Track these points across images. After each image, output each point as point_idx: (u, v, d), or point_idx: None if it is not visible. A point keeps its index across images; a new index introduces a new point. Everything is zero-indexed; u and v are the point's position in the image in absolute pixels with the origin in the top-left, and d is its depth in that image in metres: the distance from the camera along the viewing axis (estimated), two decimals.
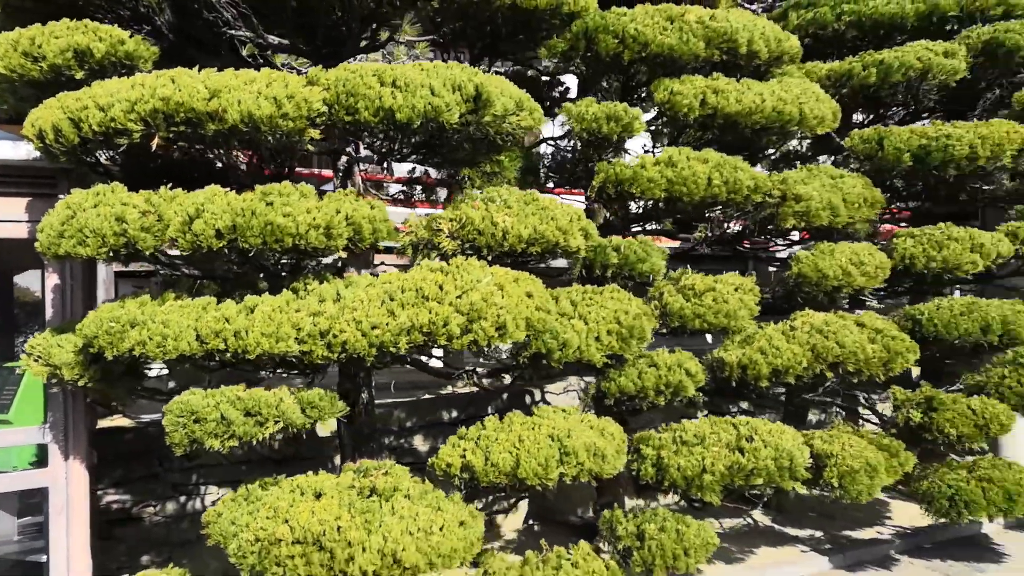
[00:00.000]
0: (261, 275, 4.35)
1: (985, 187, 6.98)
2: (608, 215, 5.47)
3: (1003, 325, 5.41)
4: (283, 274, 4.26)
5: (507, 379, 4.86)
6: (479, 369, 4.84)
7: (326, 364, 3.84)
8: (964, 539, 6.94)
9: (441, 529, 3.64)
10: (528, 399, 7.33)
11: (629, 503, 5.81)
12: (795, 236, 6.43)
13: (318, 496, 3.65)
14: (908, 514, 7.13)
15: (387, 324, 3.61)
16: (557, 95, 6.98)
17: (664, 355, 4.61)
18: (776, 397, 7.18)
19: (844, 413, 7.47)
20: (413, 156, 4.38)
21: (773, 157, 6.88)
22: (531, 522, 7.27)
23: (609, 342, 4.30)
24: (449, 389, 7.84)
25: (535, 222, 4.11)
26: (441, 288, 3.76)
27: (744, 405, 8.77)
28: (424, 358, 5.04)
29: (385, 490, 3.73)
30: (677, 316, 4.65)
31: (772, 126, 4.72)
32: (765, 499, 5.10)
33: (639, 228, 6.01)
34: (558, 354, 4.16)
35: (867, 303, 6.84)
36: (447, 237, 4.15)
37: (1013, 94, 5.96)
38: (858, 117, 6.98)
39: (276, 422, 3.63)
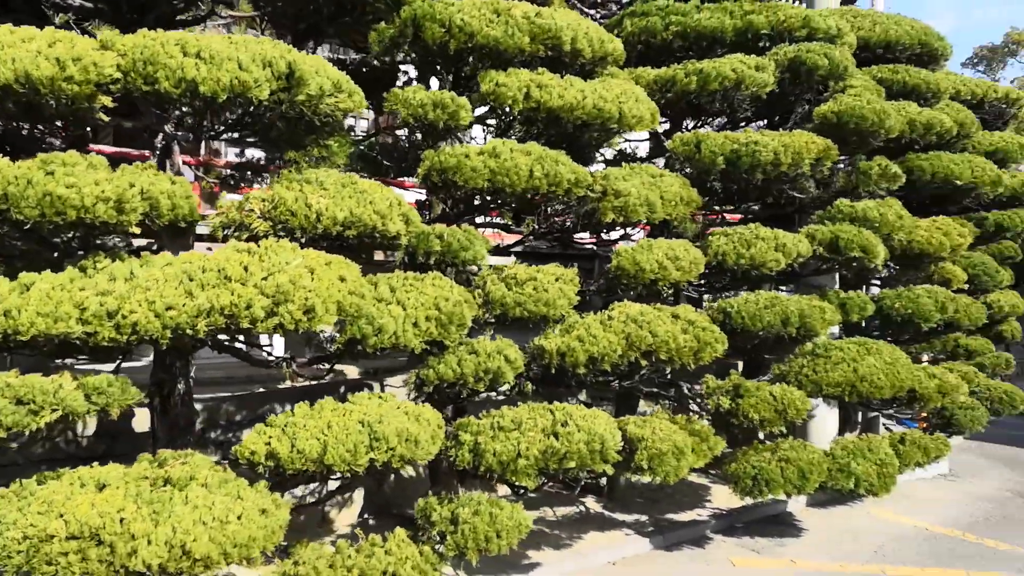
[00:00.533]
0: (55, 253, 4.04)
1: (796, 193, 7.60)
2: (444, 207, 5.50)
3: (800, 318, 5.89)
4: (79, 252, 3.97)
5: (336, 369, 4.76)
6: (299, 358, 4.73)
7: (119, 348, 3.61)
8: (771, 517, 7.52)
9: (239, 518, 3.51)
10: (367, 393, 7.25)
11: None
12: (640, 235, 6.74)
13: (101, 488, 3.42)
14: (725, 497, 7.63)
15: (183, 305, 3.44)
16: (400, 86, 6.94)
17: (485, 342, 4.68)
18: (610, 387, 7.47)
19: (675, 403, 7.91)
20: (228, 135, 4.20)
21: (609, 159, 7.17)
22: (366, 516, 7.18)
23: (428, 328, 4.31)
24: (288, 383, 7.61)
25: (352, 205, 4.06)
26: (246, 269, 3.63)
27: (582, 397, 9.07)
28: (245, 346, 4.86)
29: (180, 480, 3.55)
30: (499, 304, 4.74)
31: (593, 122, 4.92)
32: (583, 484, 5.29)
33: (481, 221, 6.10)
34: (373, 340, 4.13)
35: (692, 297, 7.27)
36: (259, 218, 4.01)
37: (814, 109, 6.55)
38: (689, 124, 7.41)
39: (53, 410, 3.36)
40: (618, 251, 5.28)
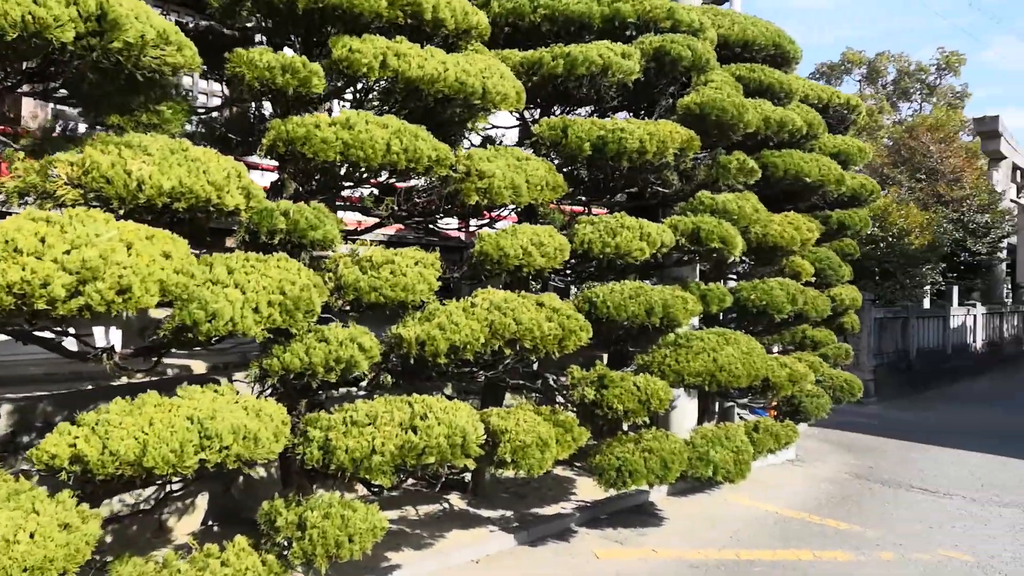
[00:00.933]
0: None
1: (660, 188, 7.68)
2: (297, 187, 5.05)
3: (664, 308, 5.90)
4: None
5: (183, 364, 4.22)
6: (122, 348, 4.15)
7: None
8: (634, 508, 7.57)
9: (32, 536, 2.97)
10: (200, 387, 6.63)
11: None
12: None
13: None
14: (590, 489, 7.61)
15: None
16: None
17: (336, 330, 4.30)
18: (476, 379, 7.24)
19: (542, 395, 7.80)
20: (27, 86, 3.59)
21: (478, 143, 6.94)
22: (211, 523, 6.58)
23: (271, 314, 3.89)
24: (124, 380, 6.85)
25: (181, 174, 3.58)
26: (43, 241, 3.08)
27: (448, 390, 8.79)
28: (57, 335, 4.21)
29: None
30: (352, 289, 4.37)
31: (456, 97, 4.65)
32: (447, 480, 5.03)
33: (345, 207, 5.67)
34: (207, 327, 3.66)
35: (559, 287, 7.18)
36: (66, 184, 3.45)
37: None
38: (557, 112, 7.31)
39: None
40: (481, 236, 5.05)
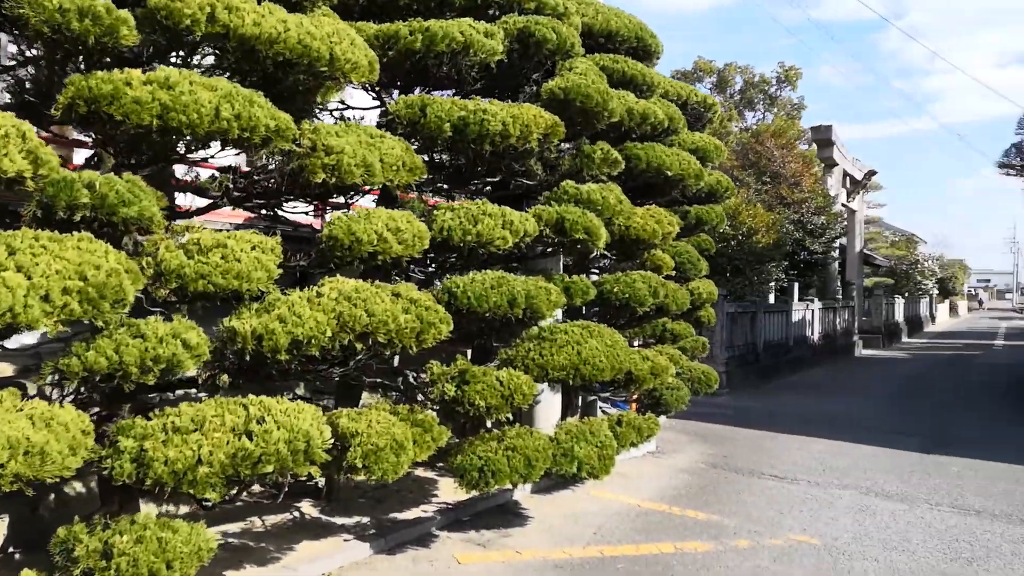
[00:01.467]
0: None
1: (524, 180, 7.46)
2: (116, 161, 4.35)
3: (527, 299, 5.66)
4: None
5: None
6: None
7: None
8: (498, 507, 7.32)
9: None
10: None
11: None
12: None
13: None
14: (453, 490, 7.29)
15: None
16: None
17: (156, 324, 3.70)
18: (329, 377, 6.74)
19: (403, 393, 7.38)
20: None
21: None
22: (11, 549, 5.68)
23: (67, 304, 3.25)
24: None
25: None
26: None
27: (301, 392, 8.16)
28: None
29: None
30: (175, 276, 3.78)
31: (299, 62, 4.14)
32: (296, 487, 4.53)
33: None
34: None
35: (421, 279, 6.79)
36: None
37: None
38: (418, 92, 6.91)
39: None
40: (331, 219, 4.58)
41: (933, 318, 49.02)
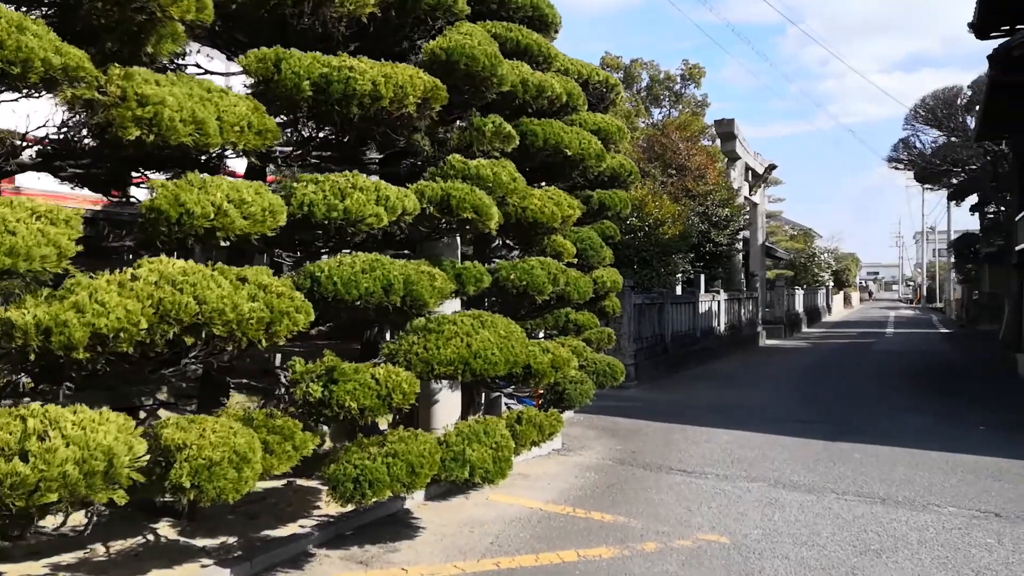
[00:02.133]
0: None
1: (411, 159, 6.77)
2: None
3: (405, 286, 4.98)
4: None
5: None
6: None
7: None
8: (386, 518, 6.60)
9: None
10: None
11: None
12: None
13: None
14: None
15: None
16: None
17: None
18: (186, 377, 5.92)
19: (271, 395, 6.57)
20: None
21: None
22: None
23: None
24: None
25: None
26: None
27: (163, 396, 7.19)
28: None
29: None
30: None
31: None
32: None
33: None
34: None
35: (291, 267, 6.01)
36: None
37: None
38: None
39: None
40: (155, 185, 3.76)
41: (829, 308, 51.14)
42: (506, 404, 9.57)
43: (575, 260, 7.81)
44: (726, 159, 27.98)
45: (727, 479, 8.20)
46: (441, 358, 5.35)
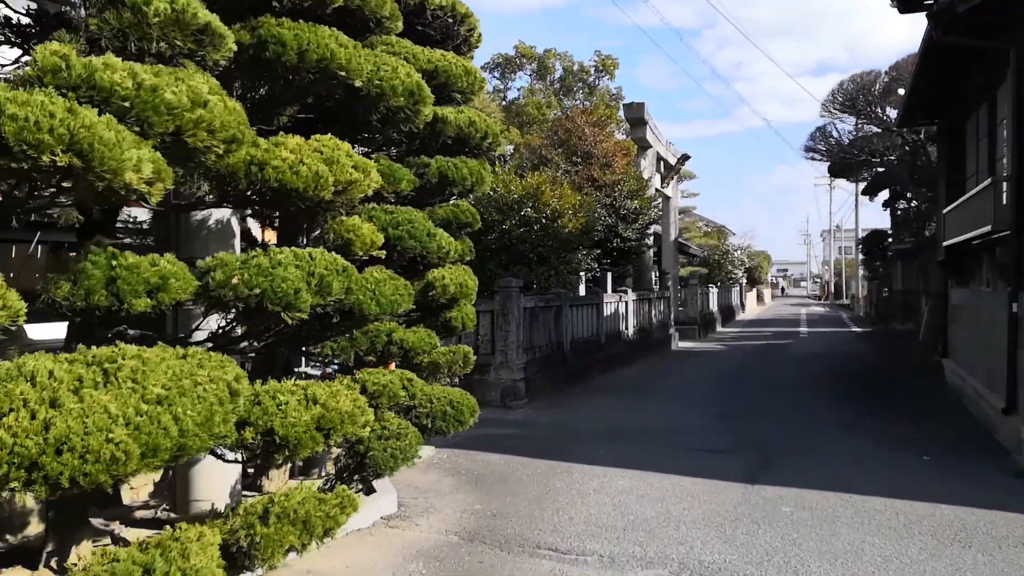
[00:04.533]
0: None
1: None
2: None
3: None
4: None
5: None
6: None
7: None
8: None
9: None
10: None
11: None
12: None
13: None
14: None
15: None
16: None
17: None
18: None
19: None
20: None
21: None
22: None
23: None
24: None
25: None
26: None
27: None
28: None
29: None
30: None
31: None
32: None
33: None
34: None
35: None
36: None
37: None
38: None
39: None
40: None
41: (743, 306, 50.39)
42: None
43: (381, 253, 5.12)
44: (636, 149, 25.95)
45: (614, 564, 5.76)
46: None
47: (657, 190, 26.35)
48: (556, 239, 17.14)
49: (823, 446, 9.93)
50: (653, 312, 23.03)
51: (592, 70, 55.59)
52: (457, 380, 7.79)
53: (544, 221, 16.95)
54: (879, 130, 21.58)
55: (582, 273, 19.41)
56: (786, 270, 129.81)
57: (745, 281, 52.89)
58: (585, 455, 9.40)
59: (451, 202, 7.28)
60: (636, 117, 24.47)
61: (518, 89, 51.94)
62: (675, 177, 29.73)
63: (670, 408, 13.12)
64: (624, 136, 28.89)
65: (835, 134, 21.61)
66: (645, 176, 24.19)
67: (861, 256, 50.05)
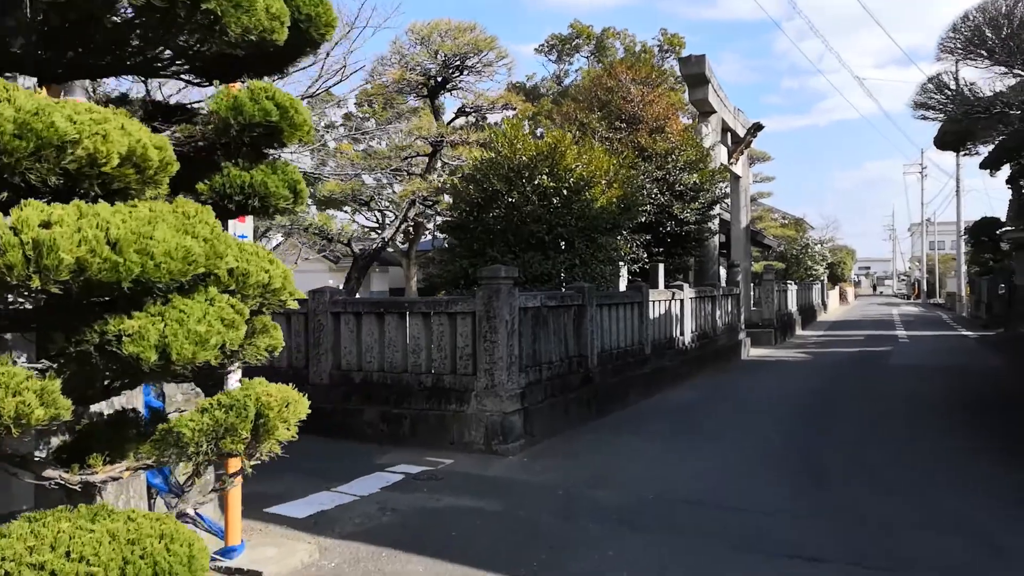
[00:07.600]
0: None
1: None
2: None
3: None
4: None
5: None
6: None
7: None
8: None
9: None
10: None
11: None
12: None
13: None
14: None
15: None
16: None
17: None
18: None
19: None
20: None
21: None
22: None
23: None
24: None
25: None
26: None
27: None
28: None
29: None
30: None
31: None
32: None
33: None
34: None
35: None
36: None
37: None
38: None
39: None
40: None
41: (825, 306, 44.88)
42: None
43: None
44: (697, 115, 21.44)
45: None
46: None
47: (723, 164, 21.75)
48: (583, 217, 12.96)
49: (974, 544, 5.52)
50: (718, 313, 18.50)
51: (656, 50, 50.59)
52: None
53: (566, 192, 12.79)
54: (1014, 81, 16.61)
55: (622, 264, 15.15)
56: (868, 267, 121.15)
57: (826, 278, 47.36)
58: (584, 562, 5.31)
59: None
60: (696, 73, 19.95)
61: (575, 71, 47.54)
62: (744, 152, 24.97)
63: (735, 459, 8.78)
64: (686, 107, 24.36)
65: (953, 84, 16.65)
66: (707, 145, 19.68)
67: (965, 248, 43.79)
